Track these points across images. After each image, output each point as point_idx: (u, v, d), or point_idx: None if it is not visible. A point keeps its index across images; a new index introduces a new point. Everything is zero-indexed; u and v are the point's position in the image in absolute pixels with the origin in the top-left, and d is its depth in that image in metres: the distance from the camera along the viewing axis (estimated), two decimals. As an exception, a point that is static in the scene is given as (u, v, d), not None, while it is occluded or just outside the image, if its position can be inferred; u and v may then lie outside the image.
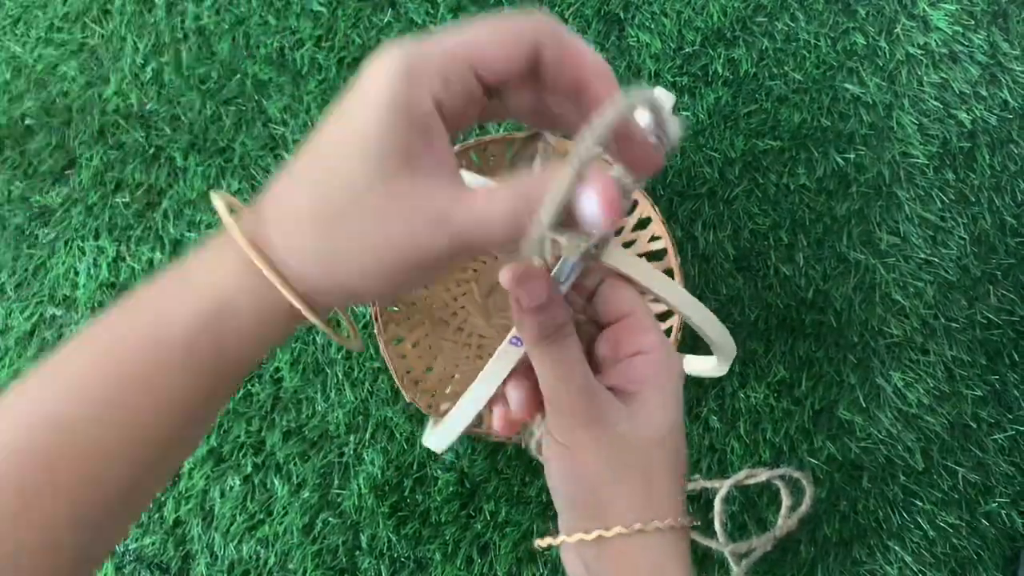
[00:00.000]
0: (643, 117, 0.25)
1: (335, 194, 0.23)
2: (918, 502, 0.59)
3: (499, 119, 0.31)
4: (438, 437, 0.37)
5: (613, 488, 0.30)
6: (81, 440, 0.23)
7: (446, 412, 0.36)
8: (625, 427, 0.30)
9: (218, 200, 0.26)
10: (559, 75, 0.25)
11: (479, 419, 0.36)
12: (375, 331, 0.54)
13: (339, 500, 0.59)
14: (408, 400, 0.55)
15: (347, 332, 0.34)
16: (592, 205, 0.21)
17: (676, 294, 0.35)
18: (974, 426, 0.61)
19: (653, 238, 0.58)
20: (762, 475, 0.51)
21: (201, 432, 0.28)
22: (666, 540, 0.30)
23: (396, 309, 0.58)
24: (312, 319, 0.25)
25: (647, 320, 0.32)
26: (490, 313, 0.62)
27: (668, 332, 0.56)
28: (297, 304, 0.24)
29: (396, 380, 0.54)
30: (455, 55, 0.23)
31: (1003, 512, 0.59)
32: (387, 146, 0.23)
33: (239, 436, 0.60)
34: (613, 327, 0.32)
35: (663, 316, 0.58)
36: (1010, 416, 0.61)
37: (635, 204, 0.59)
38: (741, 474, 0.54)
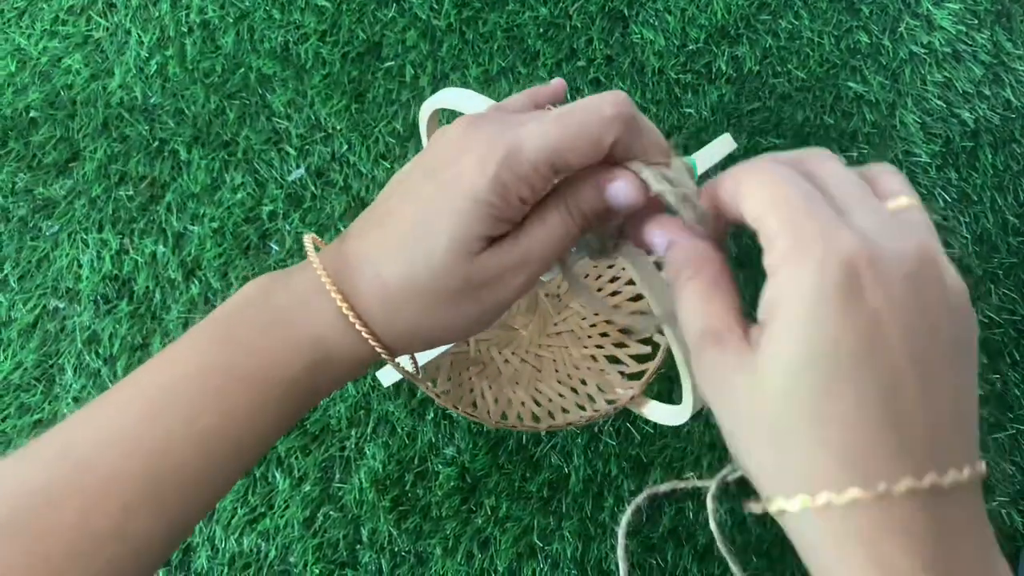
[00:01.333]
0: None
1: (423, 274, 0.27)
2: (918, 500, 0.59)
3: None
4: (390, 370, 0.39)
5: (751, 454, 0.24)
6: (187, 471, 0.27)
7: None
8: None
9: (312, 254, 0.29)
10: (623, 154, 0.28)
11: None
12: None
13: (340, 494, 0.59)
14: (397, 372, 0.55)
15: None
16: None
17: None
18: (975, 425, 0.61)
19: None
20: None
21: None
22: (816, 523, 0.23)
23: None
24: (399, 371, 0.33)
25: (771, 223, 0.23)
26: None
27: (640, 376, 0.55)
28: (395, 369, 0.30)
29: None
30: (541, 167, 0.26)
31: (1003, 511, 0.59)
32: (474, 245, 0.27)
33: (241, 429, 0.60)
34: None
35: (645, 358, 0.58)
36: (1011, 415, 0.61)
37: None
38: (725, 470, 0.55)
